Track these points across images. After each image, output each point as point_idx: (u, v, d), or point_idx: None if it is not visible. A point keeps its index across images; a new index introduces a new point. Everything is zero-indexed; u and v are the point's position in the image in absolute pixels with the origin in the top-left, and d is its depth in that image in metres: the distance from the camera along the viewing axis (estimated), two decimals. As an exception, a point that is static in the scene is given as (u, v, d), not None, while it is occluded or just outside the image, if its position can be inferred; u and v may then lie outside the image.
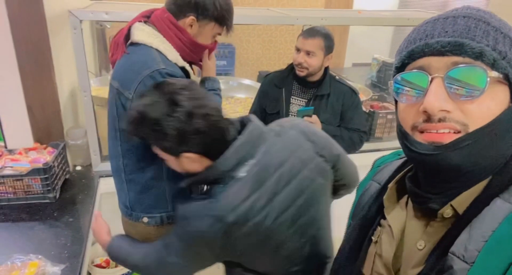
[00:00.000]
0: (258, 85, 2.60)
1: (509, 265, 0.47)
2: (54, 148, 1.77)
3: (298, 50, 1.68)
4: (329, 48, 1.67)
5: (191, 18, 1.22)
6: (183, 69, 1.25)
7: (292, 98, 1.79)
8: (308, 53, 1.65)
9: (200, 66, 1.41)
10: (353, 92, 1.78)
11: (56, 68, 1.79)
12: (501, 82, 0.52)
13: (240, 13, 1.98)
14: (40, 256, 1.29)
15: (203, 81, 1.39)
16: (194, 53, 1.30)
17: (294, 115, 1.78)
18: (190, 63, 1.33)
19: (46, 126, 1.82)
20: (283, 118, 1.72)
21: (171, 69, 1.16)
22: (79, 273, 1.30)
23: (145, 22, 1.27)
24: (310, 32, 1.66)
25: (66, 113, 1.92)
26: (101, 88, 2.07)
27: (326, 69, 1.75)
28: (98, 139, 1.92)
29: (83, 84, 1.78)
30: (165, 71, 1.14)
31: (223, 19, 1.26)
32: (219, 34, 1.32)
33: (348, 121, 1.77)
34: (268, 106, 1.82)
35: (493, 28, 0.52)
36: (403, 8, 4.46)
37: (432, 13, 2.72)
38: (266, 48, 4.40)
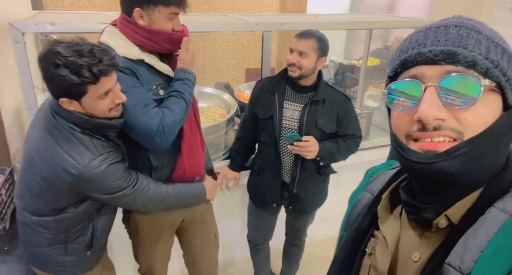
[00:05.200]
0: (219, 93, 2.55)
1: None
2: (0, 173, 1.61)
3: (291, 50, 1.69)
4: (322, 50, 1.68)
5: (137, 10, 1.29)
6: (142, 61, 1.33)
7: (286, 103, 1.77)
8: (300, 53, 1.65)
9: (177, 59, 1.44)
10: (347, 98, 1.80)
11: (-3, 85, 1.63)
12: (493, 91, 0.52)
13: (198, 20, 1.92)
14: (-10, 298, 1.17)
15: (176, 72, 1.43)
16: (156, 42, 1.35)
17: (288, 120, 1.76)
18: (168, 55, 1.43)
19: (-11, 150, 1.65)
20: (277, 123, 1.74)
21: None
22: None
23: (116, 25, 1.38)
24: (304, 34, 1.67)
25: (11, 134, 1.76)
26: (50, 105, 1.91)
27: (320, 74, 1.76)
28: (51, 160, 1.76)
29: (29, 102, 1.63)
30: None
31: None
32: (175, 14, 1.33)
33: (345, 128, 1.79)
34: (261, 112, 1.79)
35: (484, 37, 0.52)
36: (354, 10, 4.59)
37: (383, 15, 2.81)
38: (223, 54, 4.35)
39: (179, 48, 1.40)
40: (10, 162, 1.74)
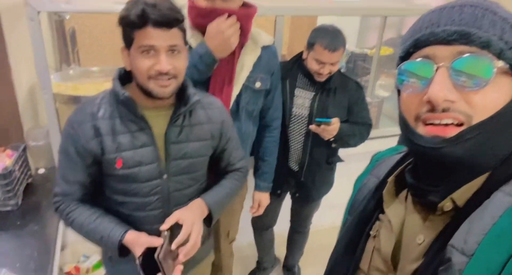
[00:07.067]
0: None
1: (509, 258, 0.47)
2: (13, 150, 1.64)
3: (322, 63, 1.61)
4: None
5: None
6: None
7: (297, 90, 1.74)
8: (333, 63, 1.62)
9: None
10: (358, 86, 1.77)
11: (12, 63, 1.65)
12: (506, 74, 0.51)
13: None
14: (4, 270, 1.21)
15: None
16: (190, 16, 1.31)
17: (298, 108, 1.74)
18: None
19: (4, 127, 1.68)
20: (287, 110, 1.71)
21: None
22: (49, 285, 1.22)
23: None
24: (334, 45, 1.57)
25: (25, 112, 1.78)
26: (62, 84, 1.93)
27: None
28: (62, 139, 1.79)
29: (43, 80, 1.65)
30: None
31: None
32: None
33: (356, 115, 1.77)
34: None
35: (500, 18, 0.51)
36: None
37: (399, 2, 2.75)
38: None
39: None
40: (23, 140, 1.77)
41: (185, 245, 1.09)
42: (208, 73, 1.36)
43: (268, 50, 1.49)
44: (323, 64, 1.61)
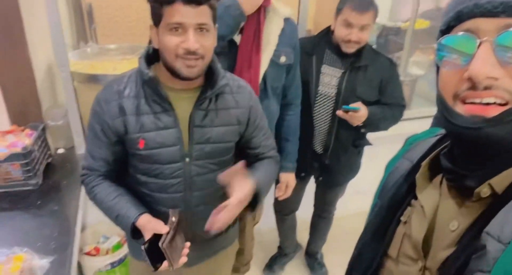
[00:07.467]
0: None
1: None
2: (33, 130, 1.64)
3: (349, 25, 1.49)
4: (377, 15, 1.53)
5: None
6: None
7: (324, 67, 1.64)
8: (362, 28, 1.49)
9: None
10: (392, 63, 1.65)
11: (29, 41, 1.62)
12: None
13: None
14: (25, 249, 1.20)
15: None
16: None
17: (325, 86, 1.65)
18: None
19: (23, 107, 1.68)
20: (313, 89, 1.63)
21: None
22: (69, 265, 1.21)
23: None
24: (364, 5, 1.46)
25: (43, 91, 1.77)
26: (79, 62, 1.90)
27: None
28: (81, 118, 1.79)
29: (60, 59, 1.63)
30: None
31: None
32: None
33: (389, 96, 1.65)
34: None
35: None
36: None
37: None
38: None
39: None
40: (42, 119, 1.76)
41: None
42: (234, 29, 1.31)
43: (289, 23, 1.44)
44: (351, 28, 1.49)
